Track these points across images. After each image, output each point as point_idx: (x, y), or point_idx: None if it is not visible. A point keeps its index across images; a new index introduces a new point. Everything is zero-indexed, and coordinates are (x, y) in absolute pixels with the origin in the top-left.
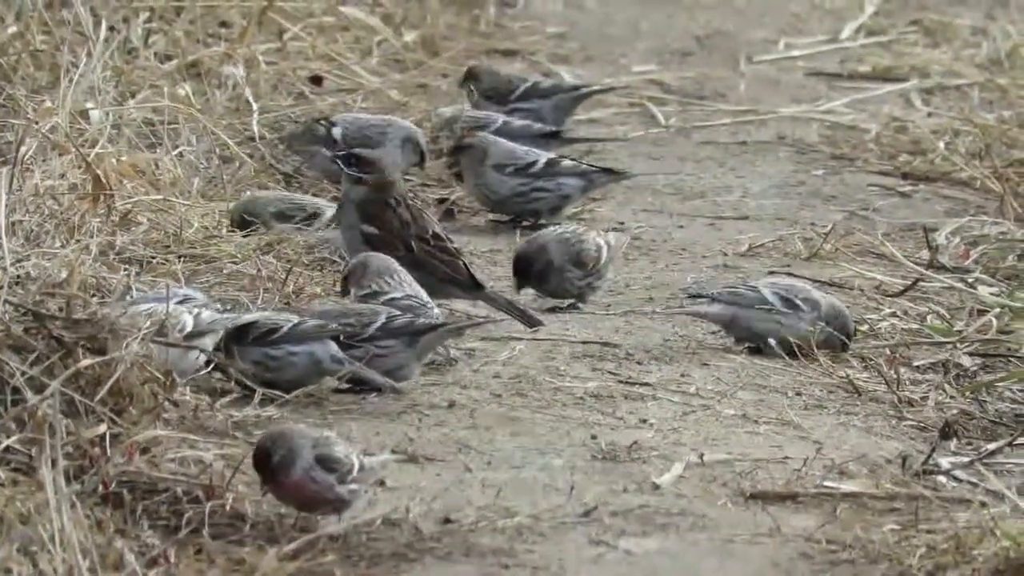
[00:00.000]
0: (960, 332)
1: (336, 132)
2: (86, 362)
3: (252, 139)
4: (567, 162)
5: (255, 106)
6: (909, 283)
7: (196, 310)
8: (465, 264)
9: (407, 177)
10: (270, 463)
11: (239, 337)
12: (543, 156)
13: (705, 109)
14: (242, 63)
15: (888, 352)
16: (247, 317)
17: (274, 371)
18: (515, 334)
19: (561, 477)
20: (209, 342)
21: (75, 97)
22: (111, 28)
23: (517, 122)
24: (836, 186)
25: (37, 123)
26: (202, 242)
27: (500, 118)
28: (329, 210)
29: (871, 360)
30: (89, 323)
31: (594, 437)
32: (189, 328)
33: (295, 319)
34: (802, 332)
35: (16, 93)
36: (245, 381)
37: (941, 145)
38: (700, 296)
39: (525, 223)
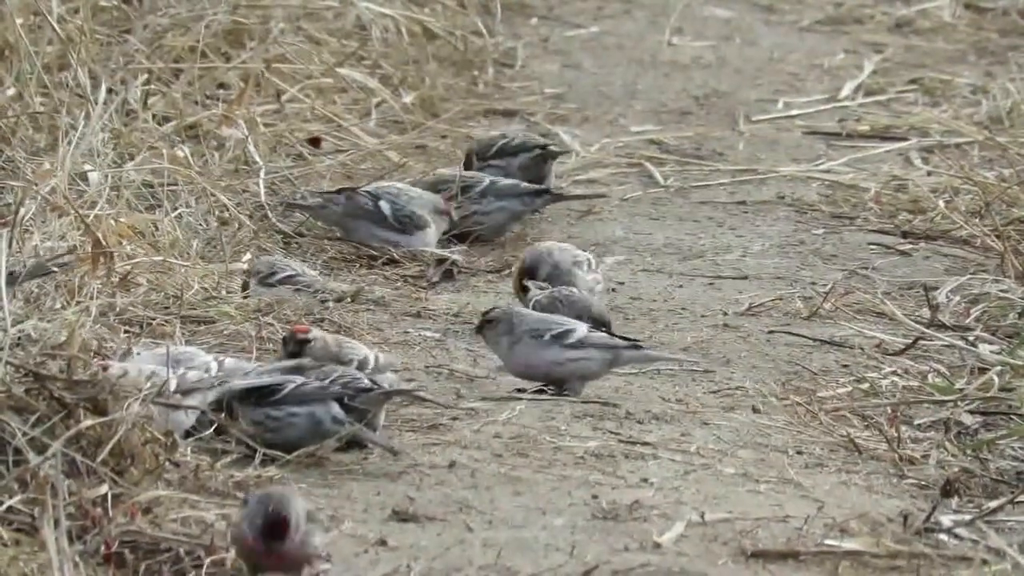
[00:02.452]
0: (961, 390)
1: (384, 207)
2: (87, 423)
3: (257, 197)
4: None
5: (261, 164)
6: (910, 342)
7: (181, 370)
8: None
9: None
10: (289, 529)
11: (243, 397)
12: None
13: (704, 169)
14: (243, 124)
15: (889, 410)
16: (239, 382)
17: (274, 431)
18: (515, 394)
19: (562, 536)
20: (195, 401)
21: (74, 159)
22: (109, 90)
23: (504, 181)
24: (836, 245)
25: (36, 185)
26: (202, 303)
27: (487, 178)
28: None
29: (872, 418)
30: (90, 384)
31: (595, 496)
32: (172, 389)
33: (297, 380)
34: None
35: (15, 155)
36: (247, 441)
37: (941, 203)
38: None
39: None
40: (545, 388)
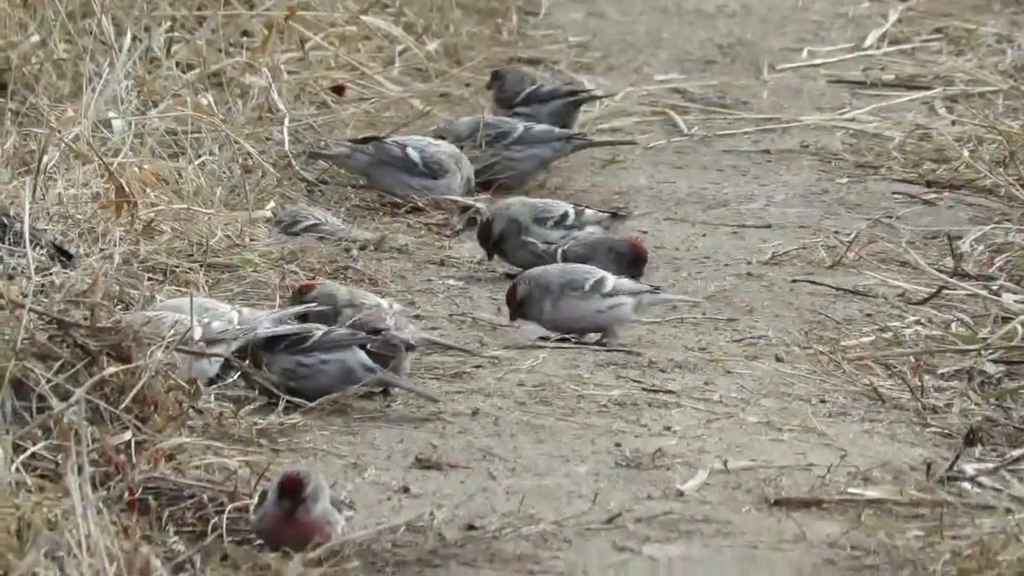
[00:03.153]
0: (984, 339)
1: (413, 154)
2: (111, 370)
3: (281, 145)
4: (589, 211)
5: (285, 112)
6: (933, 291)
7: (205, 320)
8: None
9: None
10: (304, 488)
11: (269, 345)
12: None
13: (728, 117)
14: (267, 72)
15: (912, 359)
16: (264, 330)
17: (304, 379)
18: (539, 342)
19: (585, 484)
20: (221, 351)
21: (98, 106)
22: (133, 38)
23: (537, 127)
24: (860, 194)
25: (60, 132)
26: (225, 251)
27: (520, 125)
28: None
29: (895, 367)
30: (113, 331)
31: (618, 445)
32: (198, 338)
33: (324, 328)
34: None
35: (39, 102)
36: (271, 389)
37: (965, 153)
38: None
39: None
40: (568, 337)
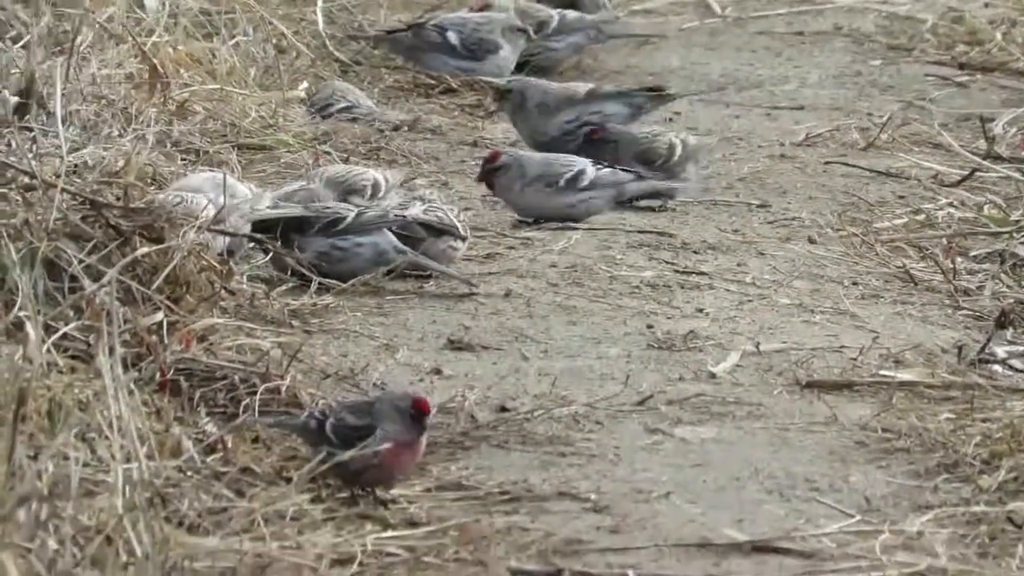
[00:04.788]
0: (1017, 222)
1: (452, 37)
2: (143, 250)
3: (315, 25)
4: (608, 87)
5: None
6: (966, 173)
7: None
8: None
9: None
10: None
11: (300, 227)
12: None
13: None
14: None
15: (945, 242)
16: (274, 212)
17: (339, 262)
18: (571, 224)
19: (617, 366)
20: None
21: None
22: None
23: (571, 14)
24: (893, 76)
25: (93, 12)
26: (259, 132)
27: (555, 13)
28: None
29: (928, 250)
30: (146, 212)
31: (650, 326)
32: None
33: (356, 208)
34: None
35: None
36: (303, 270)
37: (998, 35)
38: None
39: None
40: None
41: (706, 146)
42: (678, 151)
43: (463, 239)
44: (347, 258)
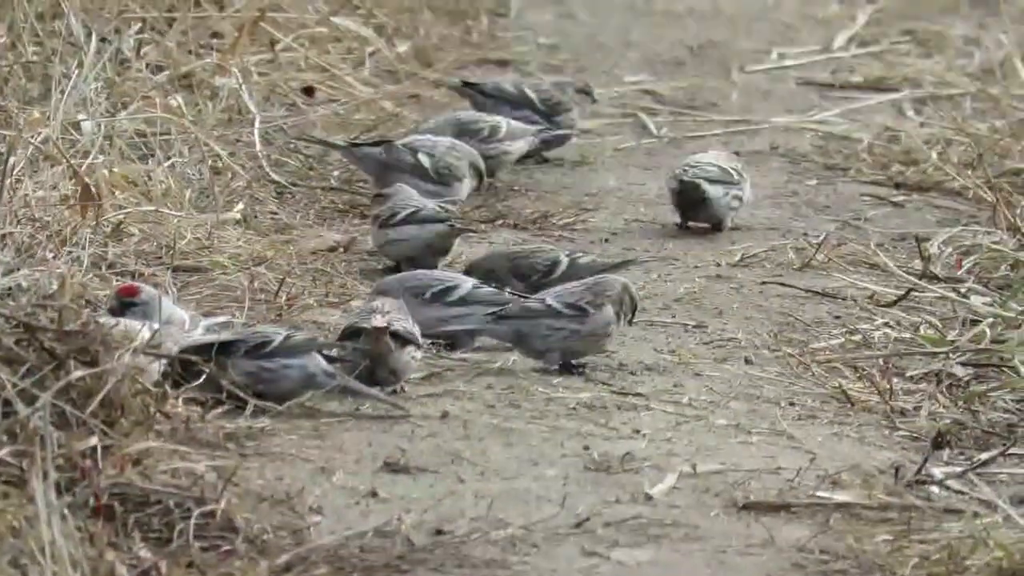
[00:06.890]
0: (953, 342)
1: (424, 160)
2: (77, 374)
3: (251, 147)
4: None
5: (255, 114)
6: (902, 293)
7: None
8: None
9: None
10: None
11: (228, 350)
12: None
13: (697, 119)
14: (238, 73)
15: (881, 362)
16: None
17: (267, 383)
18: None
19: (554, 488)
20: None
21: (67, 108)
22: (103, 39)
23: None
24: (829, 196)
25: (28, 134)
26: (194, 253)
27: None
28: None
29: (864, 370)
30: (81, 335)
31: (587, 448)
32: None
33: (284, 332)
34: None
35: (8, 104)
36: (237, 393)
37: (934, 155)
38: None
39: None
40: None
41: (597, 266)
42: (560, 268)
43: (420, 347)
44: (275, 380)
